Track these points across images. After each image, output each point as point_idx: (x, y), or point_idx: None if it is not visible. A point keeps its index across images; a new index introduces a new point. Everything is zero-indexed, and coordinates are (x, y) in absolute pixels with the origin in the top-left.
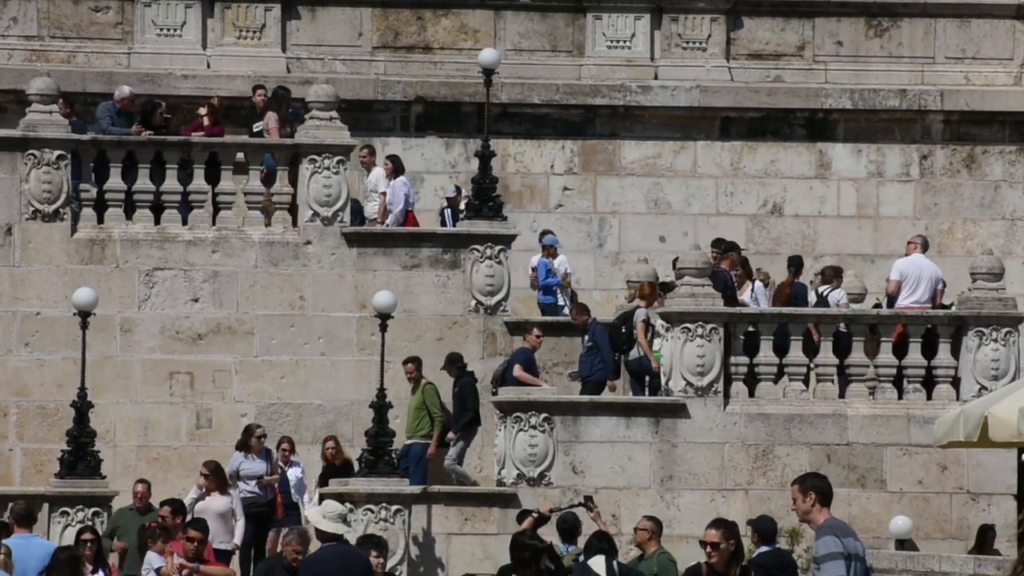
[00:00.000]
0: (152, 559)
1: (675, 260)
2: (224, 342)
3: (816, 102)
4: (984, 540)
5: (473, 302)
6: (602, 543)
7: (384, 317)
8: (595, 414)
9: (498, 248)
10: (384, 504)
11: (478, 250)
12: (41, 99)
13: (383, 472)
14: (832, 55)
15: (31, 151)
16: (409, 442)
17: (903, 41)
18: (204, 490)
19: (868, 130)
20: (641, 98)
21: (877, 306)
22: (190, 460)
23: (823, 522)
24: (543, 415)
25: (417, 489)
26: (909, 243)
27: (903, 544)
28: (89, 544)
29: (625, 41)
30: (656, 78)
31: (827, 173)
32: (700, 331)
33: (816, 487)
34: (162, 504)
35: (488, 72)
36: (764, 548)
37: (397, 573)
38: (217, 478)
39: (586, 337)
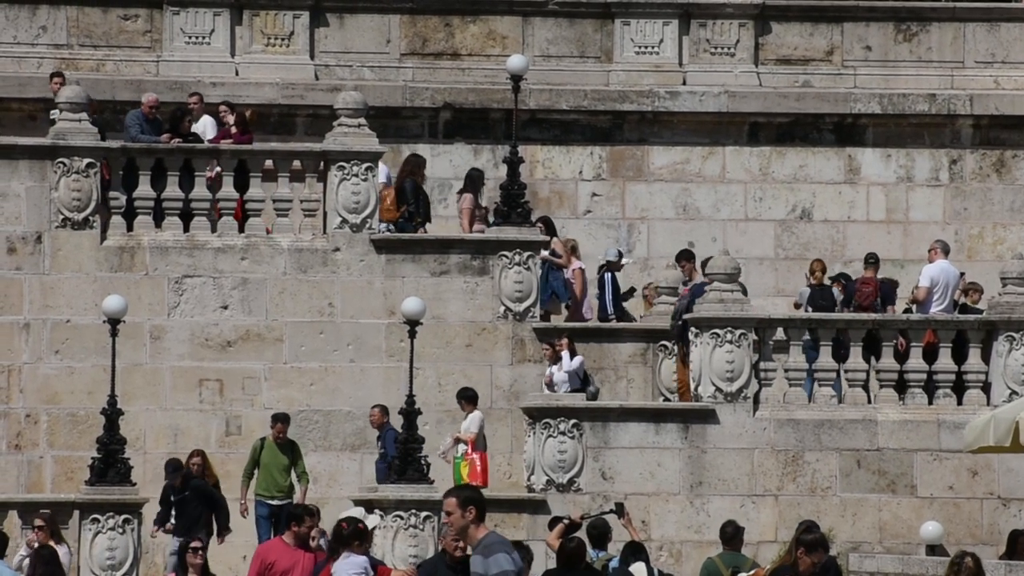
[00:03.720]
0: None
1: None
2: (253, 349)
3: (845, 107)
4: (1015, 545)
5: (502, 308)
6: (638, 554)
7: (413, 323)
8: (624, 420)
9: (527, 254)
10: (414, 511)
11: (507, 256)
12: (70, 107)
13: (412, 479)
14: (861, 60)
15: (61, 159)
16: (281, 503)
17: (932, 46)
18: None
19: (897, 135)
20: (669, 104)
21: (908, 311)
22: (220, 467)
23: (486, 537)
24: (572, 421)
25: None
26: (931, 250)
27: (934, 550)
28: (198, 552)
29: (653, 47)
30: (684, 84)
31: (856, 178)
32: (729, 336)
33: (475, 500)
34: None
35: (516, 78)
36: None
37: None
38: (52, 529)
39: (379, 443)
